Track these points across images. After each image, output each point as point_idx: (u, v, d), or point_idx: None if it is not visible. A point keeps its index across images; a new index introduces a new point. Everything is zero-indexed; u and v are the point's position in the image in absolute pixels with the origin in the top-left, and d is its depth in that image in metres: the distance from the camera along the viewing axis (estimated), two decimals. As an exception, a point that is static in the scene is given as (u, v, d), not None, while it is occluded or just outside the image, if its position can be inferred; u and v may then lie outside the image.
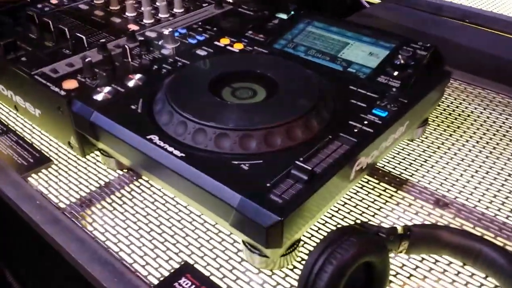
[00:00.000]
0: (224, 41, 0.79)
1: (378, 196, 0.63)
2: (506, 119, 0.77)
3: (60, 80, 0.68)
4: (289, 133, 0.56)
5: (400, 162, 0.68)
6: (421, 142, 0.72)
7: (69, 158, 0.69)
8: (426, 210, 0.61)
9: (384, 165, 0.68)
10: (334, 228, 0.58)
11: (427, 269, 0.54)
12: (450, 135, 0.73)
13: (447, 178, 0.65)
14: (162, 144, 0.56)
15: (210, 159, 0.54)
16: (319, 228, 0.58)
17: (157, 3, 0.89)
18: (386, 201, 0.62)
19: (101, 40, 0.79)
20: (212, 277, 0.53)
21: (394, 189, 0.64)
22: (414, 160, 0.69)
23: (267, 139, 0.55)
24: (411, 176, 0.66)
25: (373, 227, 0.50)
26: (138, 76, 0.68)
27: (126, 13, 0.89)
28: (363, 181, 0.64)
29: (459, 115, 0.78)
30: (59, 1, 0.95)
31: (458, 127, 0.75)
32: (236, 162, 0.53)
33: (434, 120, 0.76)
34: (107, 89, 0.65)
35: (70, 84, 0.67)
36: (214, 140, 0.55)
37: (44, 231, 0.57)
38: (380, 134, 0.58)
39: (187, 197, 0.55)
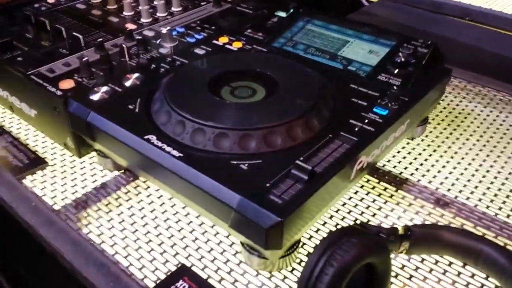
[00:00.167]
0: (223, 40, 0.78)
1: (378, 195, 0.62)
2: (507, 117, 0.76)
3: (56, 80, 0.67)
4: (289, 133, 0.55)
5: (400, 161, 0.68)
6: (421, 141, 0.71)
7: (64, 159, 0.69)
8: (427, 209, 0.60)
9: (384, 164, 0.67)
10: (333, 228, 0.58)
11: (428, 269, 0.53)
12: (451, 134, 0.73)
13: (447, 177, 0.65)
14: (160, 144, 0.55)
15: (208, 159, 0.53)
16: (318, 229, 0.58)
17: (155, 2, 0.88)
18: (386, 200, 0.61)
19: (98, 40, 0.79)
20: (210, 280, 0.52)
21: (394, 189, 0.63)
22: (414, 159, 0.68)
23: (267, 138, 0.54)
24: (411, 175, 0.65)
25: (373, 227, 0.49)
26: (135, 75, 0.67)
27: (124, 12, 0.89)
28: (363, 181, 0.64)
29: (460, 113, 0.77)
30: (56, 1, 0.94)
31: (459, 126, 0.74)
32: (235, 162, 0.52)
33: (434, 119, 0.76)
34: (104, 88, 0.65)
35: (67, 84, 0.66)
36: (213, 140, 0.54)
37: (39, 234, 0.57)
38: (381, 132, 0.58)
39: (185, 198, 0.55)
